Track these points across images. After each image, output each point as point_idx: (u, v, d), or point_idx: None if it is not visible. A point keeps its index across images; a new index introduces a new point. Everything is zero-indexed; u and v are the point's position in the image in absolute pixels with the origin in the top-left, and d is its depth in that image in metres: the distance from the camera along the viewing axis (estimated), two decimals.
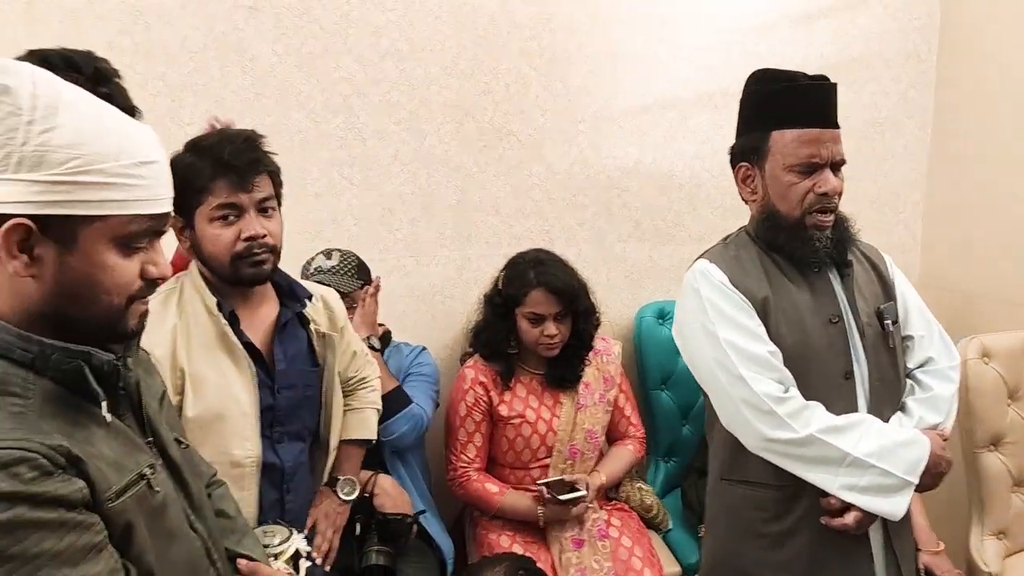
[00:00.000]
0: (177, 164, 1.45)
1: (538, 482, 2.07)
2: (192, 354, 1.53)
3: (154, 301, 1.53)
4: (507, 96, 2.41)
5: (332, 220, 2.33)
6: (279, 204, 1.58)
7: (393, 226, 2.40)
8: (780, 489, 1.55)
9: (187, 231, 1.54)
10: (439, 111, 2.37)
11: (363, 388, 1.88)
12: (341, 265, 2.10)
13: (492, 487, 2.11)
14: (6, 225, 0.82)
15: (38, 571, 0.80)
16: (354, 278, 2.10)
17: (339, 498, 1.76)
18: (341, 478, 1.78)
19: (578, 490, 2.02)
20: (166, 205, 0.92)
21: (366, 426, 1.85)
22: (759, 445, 1.51)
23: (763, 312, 1.54)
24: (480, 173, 2.44)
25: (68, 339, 0.89)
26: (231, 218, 1.49)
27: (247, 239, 1.50)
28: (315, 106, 2.29)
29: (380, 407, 1.91)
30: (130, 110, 1.23)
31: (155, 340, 1.49)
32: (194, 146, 1.50)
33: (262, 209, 1.52)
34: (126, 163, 0.87)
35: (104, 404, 0.92)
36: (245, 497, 1.55)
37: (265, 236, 1.51)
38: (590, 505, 2.10)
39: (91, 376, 0.90)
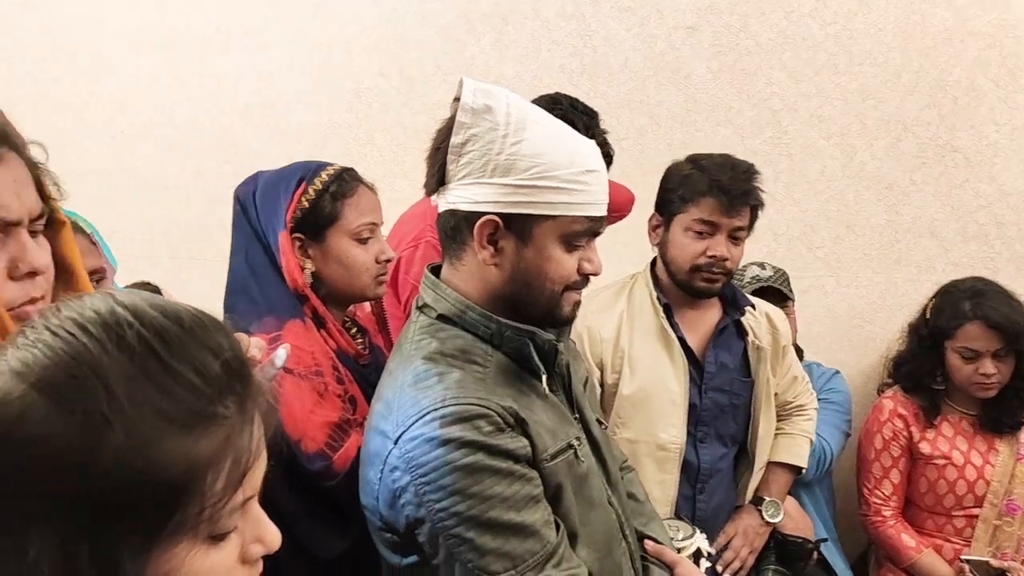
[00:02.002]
0: (674, 171, 1.83)
1: (962, 557, 2.03)
2: (634, 338, 1.86)
3: (609, 291, 1.90)
4: (954, 109, 2.42)
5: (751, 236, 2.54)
6: (749, 234, 1.84)
7: (814, 244, 2.54)
8: None
9: (659, 229, 1.87)
10: (873, 126, 2.46)
11: (800, 415, 2.05)
12: (776, 276, 2.31)
13: (909, 540, 2.13)
14: (481, 220, 1.07)
15: (491, 510, 1.00)
16: (789, 290, 2.29)
17: (762, 518, 1.94)
18: (767, 499, 1.95)
19: None
20: (603, 209, 1.12)
21: (797, 453, 2.01)
22: None
23: None
24: (916, 192, 2.47)
25: (518, 320, 1.12)
26: (704, 234, 1.79)
27: (710, 257, 1.78)
28: (743, 122, 2.53)
29: (813, 437, 2.06)
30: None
31: (604, 321, 1.87)
32: (695, 160, 1.83)
33: (734, 236, 1.80)
34: (575, 171, 1.07)
35: (544, 378, 1.16)
36: (666, 480, 1.82)
37: (727, 260, 1.79)
38: None
39: (534, 353, 1.12)
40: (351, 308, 1.52)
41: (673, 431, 1.81)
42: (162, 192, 2.77)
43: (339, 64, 2.63)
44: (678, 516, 1.80)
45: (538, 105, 1.22)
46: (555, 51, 2.60)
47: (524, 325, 1.12)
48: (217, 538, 0.61)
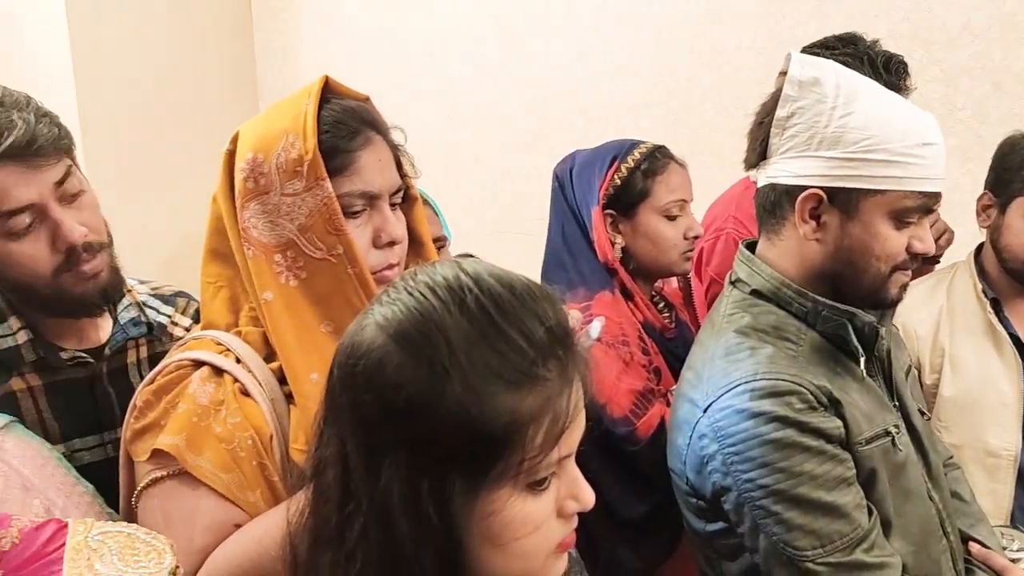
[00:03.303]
0: (1014, 145, 1.64)
1: None
2: (955, 336, 1.69)
3: (926, 283, 1.75)
4: None
5: None
6: None
7: None
8: None
9: (991, 210, 1.68)
10: None
11: None
12: None
13: None
14: (804, 194, 1.06)
15: (799, 487, 1.00)
16: None
17: None
18: None
19: None
20: (939, 185, 1.07)
21: None
22: None
23: None
24: None
25: (836, 299, 1.10)
26: None
27: None
28: None
29: None
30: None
31: (920, 318, 1.72)
32: None
33: None
34: (909, 144, 1.03)
35: (861, 361, 1.11)
36: (999, 490, 1.64)
37: None
38: None
39: (853, 335, 1.09)
40: (659, 283, 1.57)
41: (1006, 436, 1.65)
42: (482, 169, 3.01)
43: (648, 41, 2.66)
44: (1014, 525, 1.63)
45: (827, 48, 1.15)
46: (883, 17, 2.40)
47: (843, 305, 1.09)
48: (535, 489, 0.67)
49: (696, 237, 1.48)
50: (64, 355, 1.19)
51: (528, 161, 2.88)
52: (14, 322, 1.16)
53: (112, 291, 1.20)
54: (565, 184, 1.50)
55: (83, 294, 1.15)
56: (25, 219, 1.07)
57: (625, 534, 1.34)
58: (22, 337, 1.16)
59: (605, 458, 1.28)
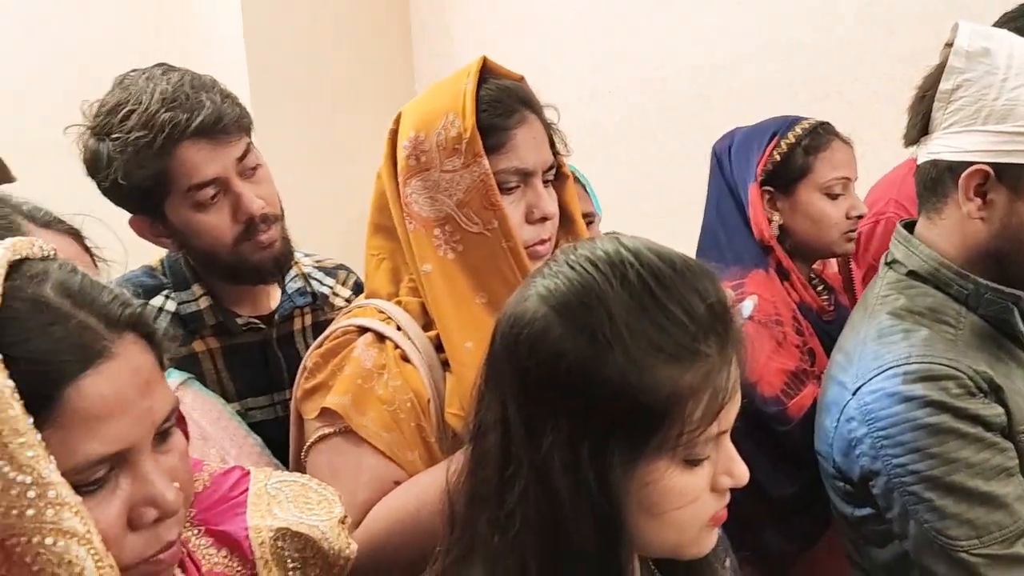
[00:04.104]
0: None
1: None
2: None
3: None
4: None
5: None
6: None
7: None
8: None
9: None
10: None
11: None
12: None
13: None
14: (968, 170, 1.01)
15: (954, 474, 0.96)
16: None
17: None
18: None
19: None
20: None
21: None
22: None
23: None
24: None
25: (1000, 281, 1.04)
26: None
27: None
28: None
29: None
30: None
31: None
32: None
33: None
34: None
35: None
36: None
37: None
38: None
39: (1018, 319, 1.04)
40: (818, 266, 1.53)
41: None
42: (634, 147, 2.98)
43: (814, 7, 2.53)
44: None
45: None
46: None
47: (1008, 288, 1.04)
48: (692, 463, 0.68)
49: (860, 217, 1.42)
50: (239, 321, 1.29)
51: (681, 139, 2.83)
52: (197, 288, 1.27)
53: (284, 260, 1.29)
54: (723, 161, 1.48)
55: (259, 262, 1.24)
56: (211, 192, 1.17)
57: (772, 515, 1.32)
58: (204, 303, 1.27)
59: (755, 437, 1.25)
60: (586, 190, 1.58)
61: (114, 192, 1.17)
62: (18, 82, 2.53)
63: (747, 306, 1.08)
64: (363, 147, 2.56)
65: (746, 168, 1.43)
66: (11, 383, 0.55)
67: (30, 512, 0.55)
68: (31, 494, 0.55)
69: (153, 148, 1.11)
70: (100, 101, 1.17)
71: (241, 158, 1.20)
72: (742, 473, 0.71)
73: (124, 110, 1.12)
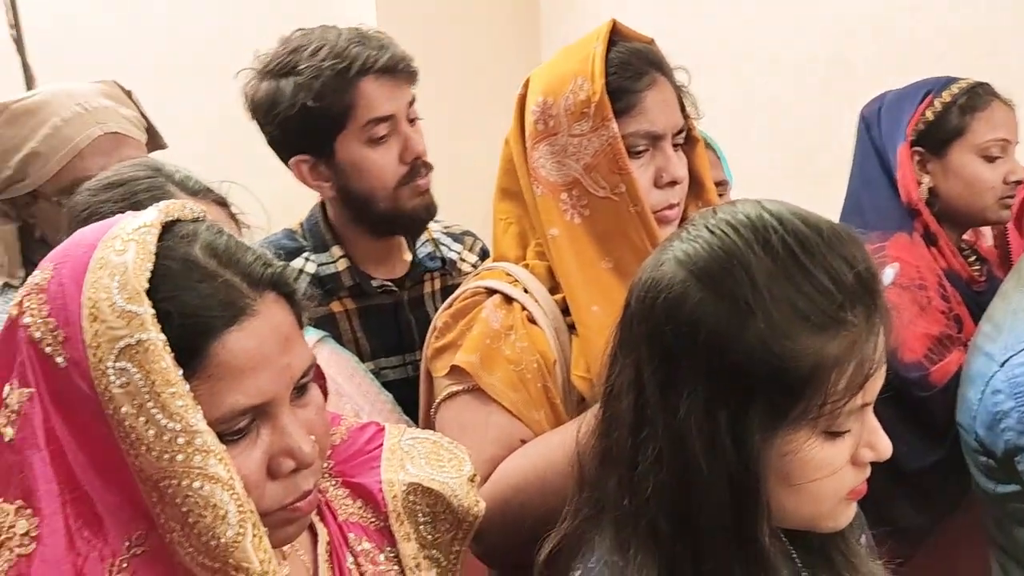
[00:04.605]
0: None
1: None
2: None
3: None
4: None
5: None
6: None
7: None
8: None
9: None
10: None
11: None
12: None
13: None
14: None
15: None
16: None
17: None
18: None
19: None
20: None
21: None
22: None
23: None
24: None
25: None
26: None
27: None
28: None
29: None
30: None
31: None
32: None
33: None
34: None
35: None
36: None
37: None
38: None
39: None
40: (971, 236, 1.44)
41: None
42: (769, 112, 2.86)
43: None
44: None
45: None
46: None
47: None
48: (833, 435, 0.66)
49: (1018, 183, 1.32)
50: (374, 283, 1.34)
51: (820, 104, 2.69)
52: (335, 250, 1.32)
53: (432, 211, 1.33)
54: (872, 124, 1.41)
55: (413, 209, 1.28)
56: (384, 129, 1.23)
57: (907, 488, 1.27)
58: (342, 265, 1.32)
59: (895, 404, 1.21)
60: (719, 157, 1.54)
61: (286, 128, 1.22)
62: (173, 56, 2.66)
63: (888, 274, 1.03)
64: (490, 114, 2.59)
65: (896, 128, 1.35)
66: (163, 336, 0.58)
67: (180, 457, 0.58)
68: (180, 440, 0.58)
69: (347, 76, 1.17)
70: (276, 49, 1.23)
71: (410, 103, 1.27)
72: (885, 447, 0.69)
73: (312, 47, 1.18)
